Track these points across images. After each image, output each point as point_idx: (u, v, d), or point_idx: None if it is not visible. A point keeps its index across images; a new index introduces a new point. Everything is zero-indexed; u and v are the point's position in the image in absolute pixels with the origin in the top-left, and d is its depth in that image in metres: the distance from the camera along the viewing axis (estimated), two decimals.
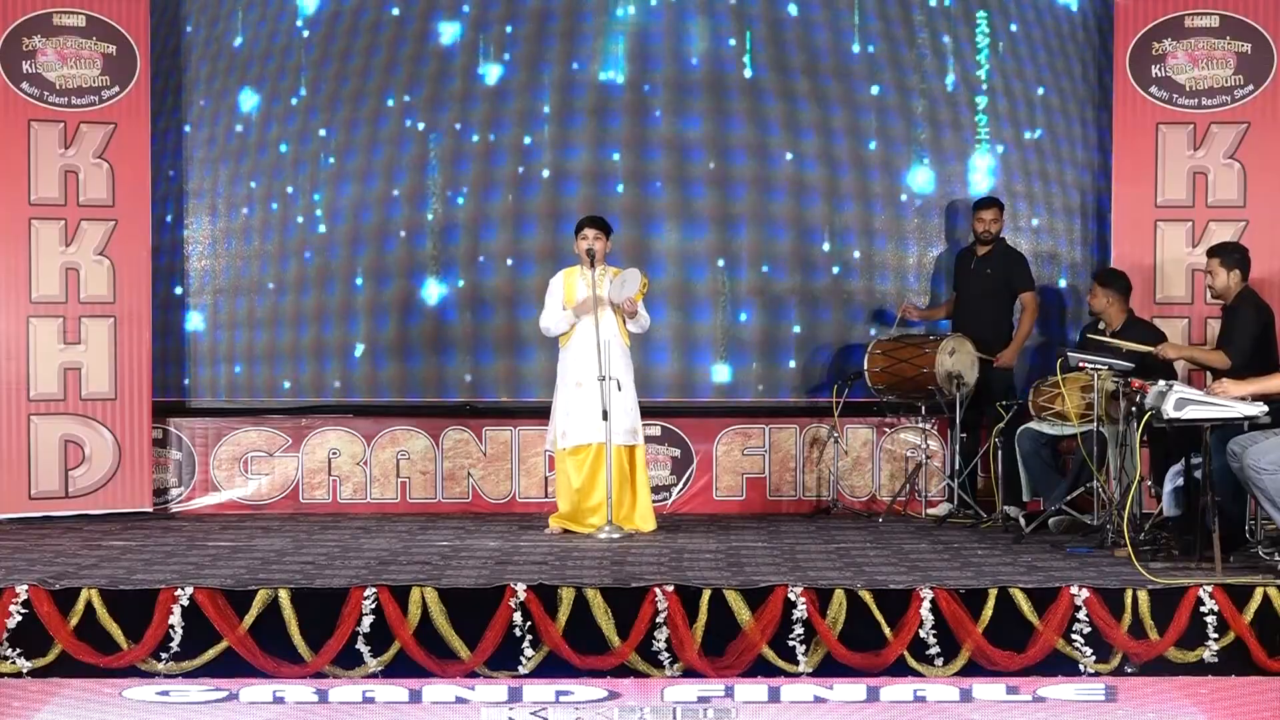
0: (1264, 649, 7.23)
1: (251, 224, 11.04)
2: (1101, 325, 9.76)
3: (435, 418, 10.94)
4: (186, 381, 11.02)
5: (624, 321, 9.56)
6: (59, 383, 10.31)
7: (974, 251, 10.60)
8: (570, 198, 10.94)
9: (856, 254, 11.08)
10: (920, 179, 11.09)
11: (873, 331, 10.94)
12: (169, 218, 10.94)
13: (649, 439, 10.57)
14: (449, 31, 11.03)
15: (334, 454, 10.88)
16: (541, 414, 9.92)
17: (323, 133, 11.01)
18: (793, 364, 11.11)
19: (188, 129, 10.99)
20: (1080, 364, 8.97)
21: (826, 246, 11.08)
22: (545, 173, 11.01)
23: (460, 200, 11.03)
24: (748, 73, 11.05)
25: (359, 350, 11.02)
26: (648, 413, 10.15)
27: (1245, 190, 10.28)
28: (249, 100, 11.01)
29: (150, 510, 10.54)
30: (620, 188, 11.05)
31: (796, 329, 11.08)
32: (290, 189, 11.03)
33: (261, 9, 11.00)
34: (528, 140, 11.01)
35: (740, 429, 10.94)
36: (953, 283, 10.84)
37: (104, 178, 10.35)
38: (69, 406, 10.33)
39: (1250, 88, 10.26)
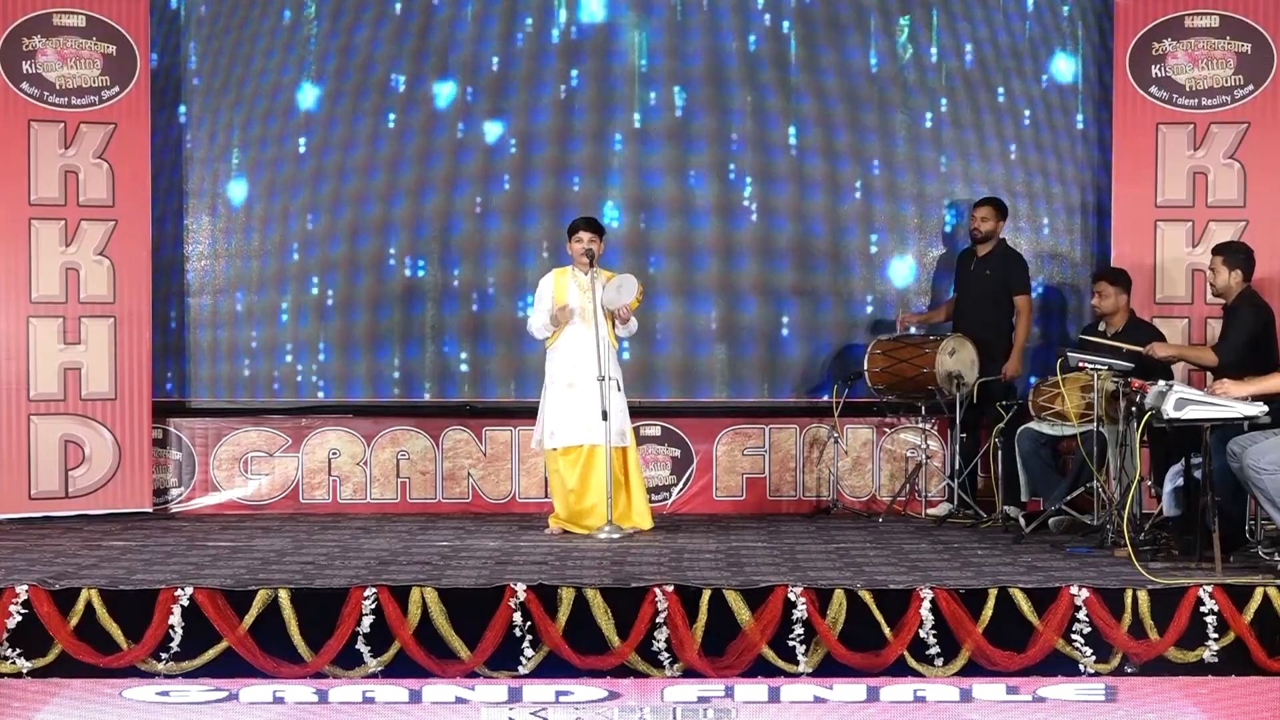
0: (1264, 649, 7.23)
1: (252, 224, 11.05)
2: (1102, 326, 9.77)
3: (435, 418, 10.95)
4: (187, 382, 11.02)
5: (613, 325, 9.56)
6: (59, 383, 10.32)
7: (974, 252, 10.60)
8: (570, 199, 10.94)
9: (857, 253, 11.09)
10: (920, 179, 11.10)
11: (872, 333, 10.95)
12: (169, 217, 10.94)
13: (649, 439, 10.61)
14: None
15: (334, 454, 10.89)
16: None
17: (322, 139, 11.01)
18: (793, 364, 11.11)
19: (187, 129, 10.99)
20: (1080, 364, 8.97)
21: (827, 245, 11.09)
22: (545, 175, 11.05)
23: (460, 198, 11.05)
24: (749, 74, 11.07)
25: (360, 356, 11.05)
26: (648, 412, 10.19)
27: (1245, 190, 10.28)
28: (249, 101, 11.00)
29: (150, 510, 10.55)
30: (620, 188, 11.06)
31: (796, 329, 11.09)
32: (290, 189, 11.03)
33: (263, 6, 11.02)
34: (527, 141, 11.05)
35: (740, 429, 10.95)
36: (953, 283, 10.84)
37: (104, 178, 10.36)
38: (69, 406, 10.34)
39: (1250, 88, 10.26)
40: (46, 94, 10.28)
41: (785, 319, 11.09)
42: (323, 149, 11.03)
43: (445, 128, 11.03)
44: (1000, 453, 9.96)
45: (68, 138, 10.30)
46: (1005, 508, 9.91)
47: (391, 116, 11.03)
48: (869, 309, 11.12)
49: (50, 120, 10.28)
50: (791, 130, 11.07)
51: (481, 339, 11.07)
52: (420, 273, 11.07)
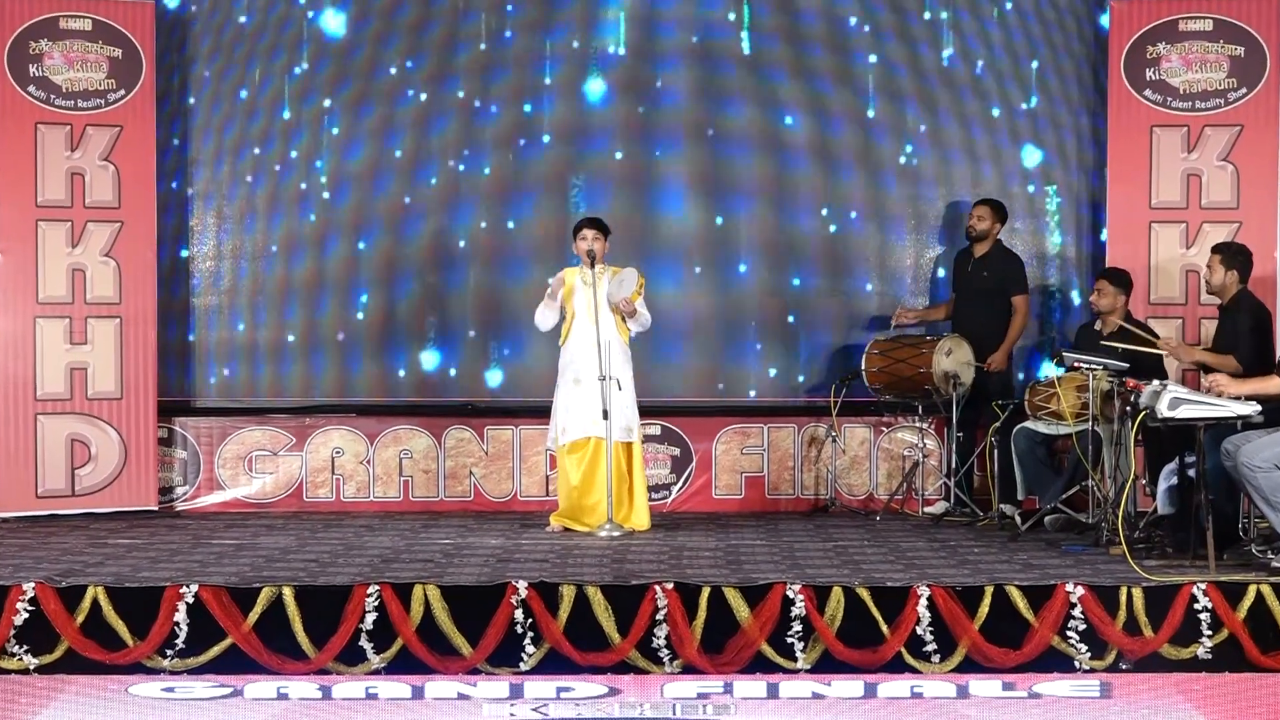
0: (1257, 646, 7.26)
1: (256, 225, 11.11)
2: (1098, 324, 9.82)
3: (437, 417, 10.99)
4: (192, 381, 11.08)
5: (623, 321, 9.63)
6: (65, 382, 10.36)
7: (971, 252, 10.65)
8: (572, 201, 11.01)
9: (856, 253, 11.14)
10: (921, 181, 11.15)
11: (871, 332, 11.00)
12: (174, 219, 11.01)
13: (649, 438, 10.62)
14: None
15: (337, 453, 10.94)
16: (543, 413, 9.96)
17: (325, 142, 11.06)
18: (791, 363, 11.17)
19: (193, 132, 11.04)
20: (1075, 363, 9.02)
21: (826, 245, 11.14)
22: (546, 175, 11.11)
23: (464, 198, 11.12)
24: (749, 77, 11.13)
25: (363, 355, 11.10)
26: (648, 412, 10.19)
27: (1238, 192, 10.32)
28: (254, 105, 11.06)
29: (155, 508, 10.58)
30: (619, 189, 11.12)
31: (795, 328, 11.14)
32: (295, 191, 11.09)
33: (265, 15, 11.08)
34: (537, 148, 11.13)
35: (739, 428, 11.00)
36: (951, 283, 10.89)
37: (110, 180, 10.41)
38: (75, 406, 10.39)
39: (1243, 91, 10.30)
40: (53, 97, 10.33)
41: (784, 318, 11.13)
42: (328, 152, 11.09)
43: (446, 126, 11.09)
44: (997, 451, 10.00)
45: (74, 140, 10.35)
46: (1001, 506, 9.94)
47: (395, 117, 11.09)
48: (868, 309, 11.16)
49: (57, 123, 10.33)
50: (792, 131, 11.12)
51: (483, 339, 11.12)
52: (422, 273, 11.12)
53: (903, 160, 11.14)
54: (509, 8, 11.08)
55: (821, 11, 11.11)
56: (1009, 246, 10.73)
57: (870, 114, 11.13)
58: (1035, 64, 11.10)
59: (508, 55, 11.10)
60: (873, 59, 11.11)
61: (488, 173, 11.12)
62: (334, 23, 11.07)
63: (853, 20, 11.09)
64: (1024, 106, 11.12)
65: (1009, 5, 11.11)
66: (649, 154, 11.12)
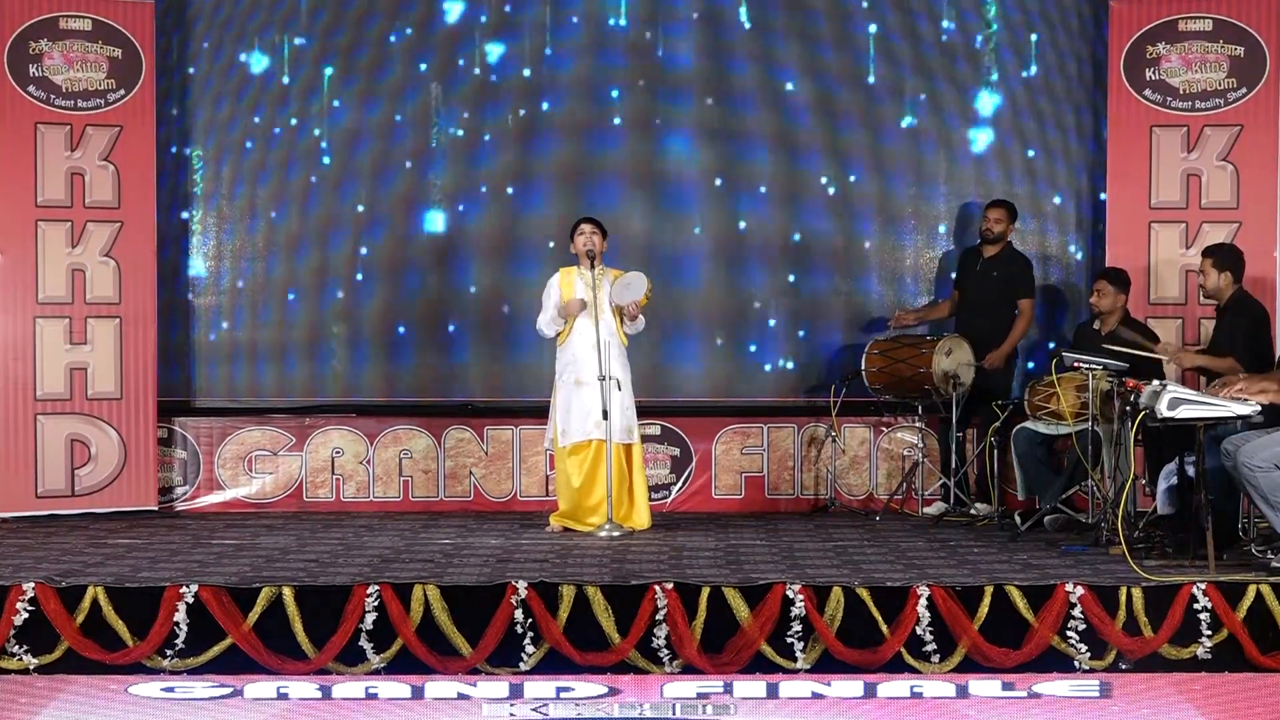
0: (1257, 646, 7.26)
1: (256, 225, 11.12)
2: (1096, 324, 9.83)
3: (437, 417, 11.00)
4: (192, 381, 11.09)
5: (621, 322, 9.64)
6: (65, 382, 10.37)
7: (980, 252, 10.65)
8: (573, 204, 11.01)
9: (856, 254, 11.16)
10: (922, 182, 11.16)
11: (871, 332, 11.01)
12: (174, 219, 11.01)
13: (649, 438, 10.63)
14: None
15: (337, 453, 10.95)
16: (542, 413, 9.97)
17: (325, 144, 11.08)
18: (792, 364, 11.18)
19: (193, 132, 11.06)
20: (1075, 364, 9.02)
21: (825, 246, 11.16)
22: (546, 180, 11.13)
23: (461, 200, 11.13)
24: (754, 84, 11.14)
25: (363, 355, 11.12)
26: (648, 412, 10.21)
27: (1238, 192, 10.33)
28: (254, 106, 11.07)
29: (155, 509, 10.60)
30: (620, 191, 11.13)
31: (795, 328, 11.16)
32: (295, 192, 11.10)
33: (267, 15, 11.08)
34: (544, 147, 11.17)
35: (739, 428, 11.01)
36: (955, 281, 10.89)
37: (110, 180, 10.42)
38: (75, 406, 10.40)
39: (1243, 90, 10.31)
40: (53, 97, 10.33)
41: (784, 318, 11.15)
42: (329, 152, 11.10)
43: (447, 124, 11.11)
44: (996, 452, 10.01)
45: (74, 140, 10.36)
46: (1001, 506, 9.97)
47: (398, 118, 11.12)
48: (868, 309, 11.18)
49: (57, 123, 10.34)
50: (791, 129, 11.13)
51: (483, 339, 11.13)
52: (424, 271, 11.14)
53: (902, 159, 11.14)
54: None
55: (828, 10, 11.15)
56: (1018, 248, 10.73)
57: (870, 113, 11.13)
58: (1035, 68, 11.11)
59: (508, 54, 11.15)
60: (874, 52, 11.11)
61: (490, 172, 11.13)
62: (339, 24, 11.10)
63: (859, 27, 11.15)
64: (1024, 106, 11.12)
65: (1010, 6, 11.12)
66: (653, 151, 11.13)
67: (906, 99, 11.15)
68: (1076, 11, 11.10)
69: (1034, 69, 11.12)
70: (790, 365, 11.19)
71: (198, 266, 11.12)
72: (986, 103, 11.15)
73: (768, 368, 11.19)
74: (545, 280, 9.88)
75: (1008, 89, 11.14)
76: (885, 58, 11.15)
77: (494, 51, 11.12)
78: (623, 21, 11.14)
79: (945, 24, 11.14)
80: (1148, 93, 10.44)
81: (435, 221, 11.14)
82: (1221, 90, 10.35)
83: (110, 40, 10.42)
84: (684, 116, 11.17)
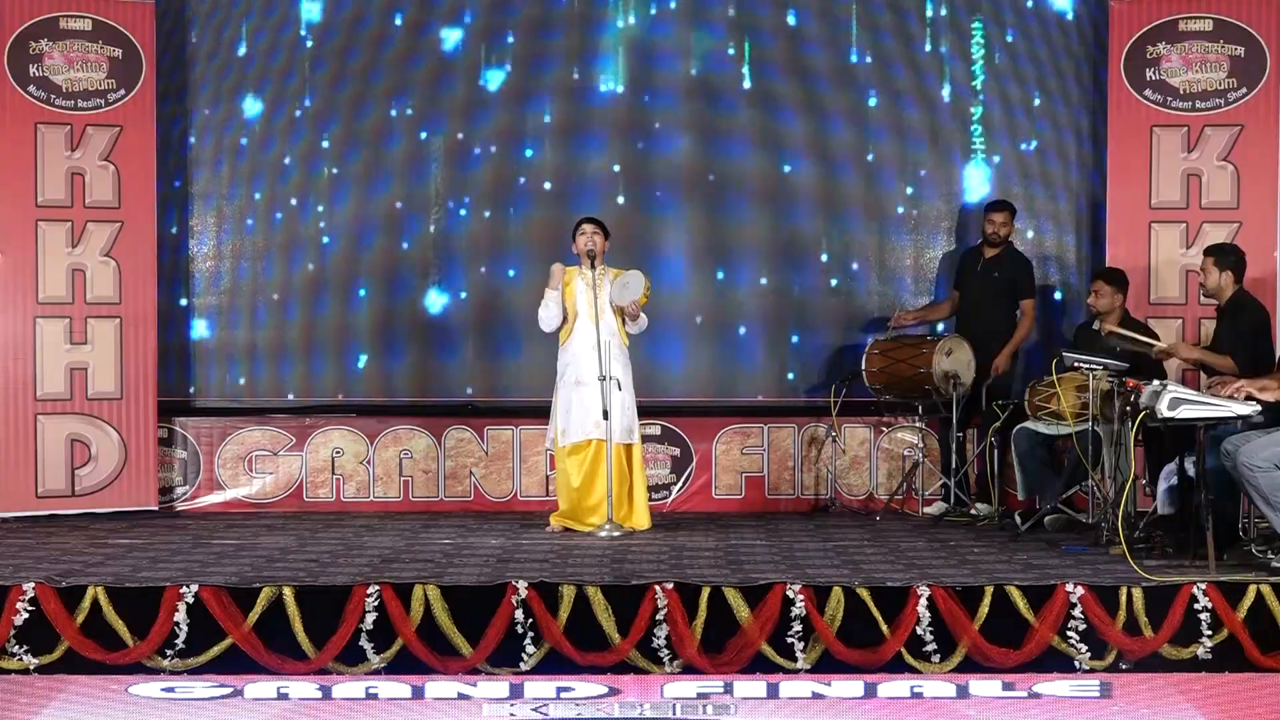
0: (1257, 646, 7.26)
1: (256, 225, 11.12)
2: (1096, 324, 9.83)
3: (437, 417, 11.01)
4: (192, 381, 11.09)
5: (623, 322, 9.64)
6: (65, 382, 10.37)
7: (981, 253, 10.65)
8: (573, 204, 11.02)
9: (855, 254, 11.16)
10: (919, 182, 11.16)
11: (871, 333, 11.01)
12: (174, 219, 11.02)
13: (649, 438, 10.64)
14: (451, 38, 11.11)
15: (337, 453, 10.96)
16: (542, 413, 9.97)
17: (324, 144, 11.08)
18: (791, 364, 11.18)
19: (193, 132, 11.07)
20: (1075, 364, 9.02)
21: (825, 246, 11.15)
22: (547, 184, 11.11)
23: (462, 205, 11.12)
24: (746, 83, 11.12)
25: (362, 358, 11.10)
26: (648, 412, 10.21)
27: (1238, 192, 10.33)
28: (254, 105, 11.08)
29: (155, 509, 10.59)
30: (620, 194, 11.12)
31: (795, 329, 11.16)
32: (295, 192, 11.10)
33: (264, 16, 11.08)
34: (528, 151, 11.12)
35: (739, 428, 11.01)
36: (955, 281, 10.89)
37: (110, 180, 10.42)
38: (75, 406, 10.40)
39: (1243, 90, 10.31)
40: (53, 97, 10.33)
41: (784, 318, 11.15)
42: (328, 148, 11.10)
43: (447, 124, 11.10)
44: (996, 452, 10.02)
45: (74, 140, 10.36)
46: (1001, 506, 9.97)
47: (390, 131, 11.11)
48: (868, 309, 11.18)
49: (57, 123, 10.33)
50: (791, 131, 11.13)
51: (483, 339, 11.13)
52: (423, 273, 11.13)
53: (902, 158, 11.14)
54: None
55: (818, 11, 11.12)
56: (1019, 249, 10.73)
57: (871, 113, 11.13)
58: (1036, 66, 11.11)
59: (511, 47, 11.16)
60: (869, 59, 11.11)
61: (489, 171, 11.13)
62: (331, 20, 11.10)
63: (851, 18, 11.13)
64: (1024, 106, 11.12)
65: (1005, 8, 11.12)
66: (649, 153, 11.13)
67: (908, 99, 11.14)
68: (1076, 11, 11.09)
69: (1035, 69, 11.11)
70: (790, 365, 11.18)
71: (198, 266, 11.12)
72: (988, 101, 11.13)
73: (768, 368, 11.18)
74: (542, 278, 9.87)
75: (1008, 88, 11.13)
76: (886, 57, 11.14)
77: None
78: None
79: (942, 9, 11.15)
80: (1148, 93, 10.44)
81: (435, 220, 11.13)
82: (1222, 90, 10.35)
83: (110, 40, 10.42)
84: (683, 115, 11.18)
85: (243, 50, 11.08)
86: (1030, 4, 11.12)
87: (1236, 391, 7.90)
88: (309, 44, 11.10)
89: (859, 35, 11.12)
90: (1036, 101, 11.13)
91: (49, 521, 10.13)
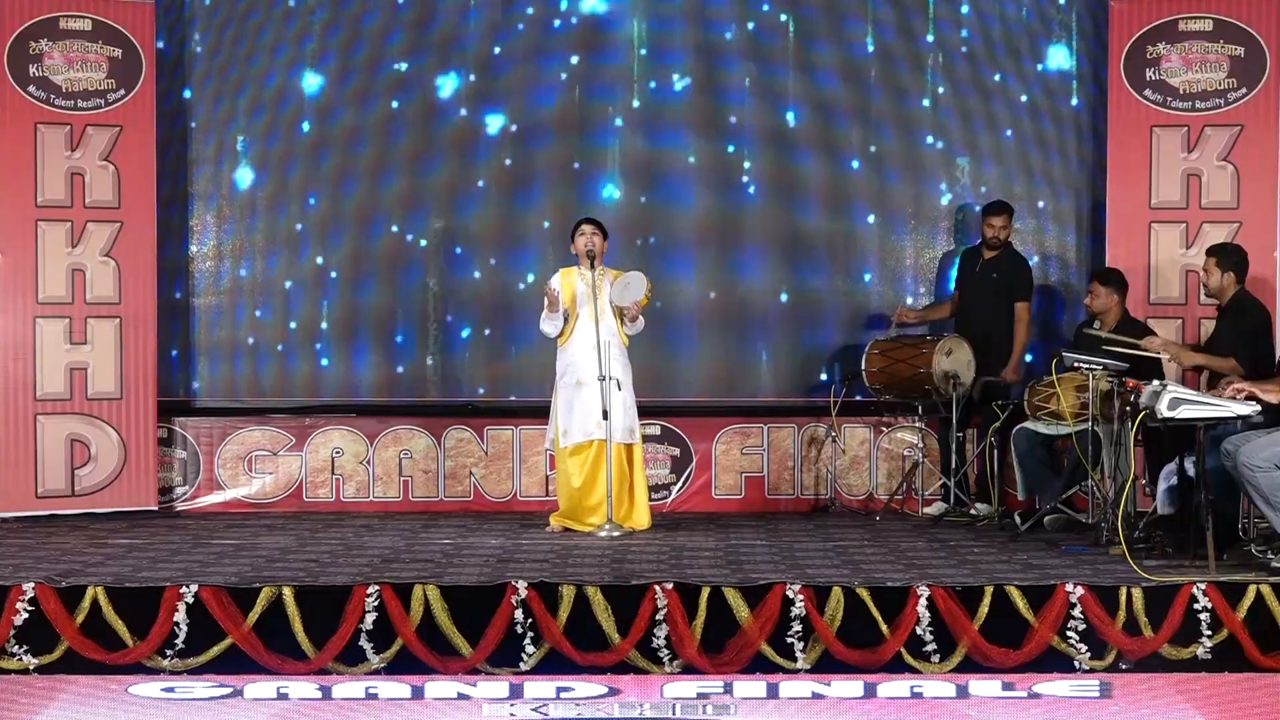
0: (1257, 646, 7.27)
1: (256, 225, 11.12)
2: (1097, 324, 9.83)
3: (437, 417, 11.01)
4: (192, 381, 11.09)
5: (622, 323, 9.64)
6: (65, 382, 10.37)
7: (980, 254, 10.64)
8: (573, 204, 11.02)
9: (856, 253, 11.16)
10: (920, 178, 11.17)
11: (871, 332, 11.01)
12: (174, 219, 11.01)
13: (649, 438, 10.63)
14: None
15: (337, 453, 10.96)
16: (542, 413, 9.98)
17: (324, 145, 11.08)
18: (792, 363, 11.18)
19: (193, 132, 11.07)
20: (1075, 364, 9.02)
21: (825, 246, 11.16)
22: (549, 183, 11.13)
23: (463, 205, 11.14)
24: (747, 81, 11.15)
25: (362, 358, 11.11)
26: (648, 412, 10.21)
27: (1238, 192, 10.33)
28: (254, 105, 11.08)
29: (155, 509, 10.59)
30: (618, 193, 11.13)
31: (795, 328, 11.16)
32: (295, 192, 11.10)
33: (266, 11, 11.09)
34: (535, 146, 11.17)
35: (739, 428, 11.01)
36: (955, 282, 10.89)
37: (110, 180, 10.42)
38: (75, 406, 10.39)
39: (1243, 90, 10.31)
40: (53, 97, 10.33)
41: (784, 318, 11.16)
42: (328, 151, 11.10)
43: (446, 125, 11.10)
44: (996, 452, 10.02)
45: (74, 140, 10.36)
46: (1001, 506, 9.97)
47: (397, 114, 11.10)
48: (869, 308, 11.18)
49: (57, 123, 10.33)
50: (794, 128, 11.13)
51: (484, 339, 11.13)
52: (423, 273, 11.13)
53: (902, 159, 11.15)
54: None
55: (825, 6, 11.14)
56: (1018, 249, 10.73)
57: (871, 113, 11.13)
58: (1036, 60, 11.12)
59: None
60: (871, 49, 11.11)
61: (488, 171, 11.13)
62: (336, 15, 11.13)
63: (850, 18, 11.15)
64: (1024, 106, 11.12)
65: (1006, 4, 11.12)
66: (654, 149, 11.13)
67: (907, 98, 11.15)
68: (1076, 11, 11.09)
69: (1034, 68, 11.12)
70: (790, 365, 11.18)
71: (198, 266, 11.11)
72: (989, 101, 11.14)
73: (768, 367, 11.18)
74: (545, 280, 9.89)
75: (1007, 89, 11.14)
76: (885, 57, 11.14)
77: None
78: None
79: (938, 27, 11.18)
80: (1148, 93, 10.44)
81: (435, 220, 11.13)
82: (1222, 90, 10.35)
83: (110, 40, 10.42)
84: (690, 110, 11.19)
85: (244, 47, 11.08)
86: (1030, 4, 11.13)
87: (1237, 392, 7.91)
88: (311, 41, 11.09)
89: (863, 30, 11.11)
90: (1036, 101, 11.12)
91: (49, 521, 10.13)
